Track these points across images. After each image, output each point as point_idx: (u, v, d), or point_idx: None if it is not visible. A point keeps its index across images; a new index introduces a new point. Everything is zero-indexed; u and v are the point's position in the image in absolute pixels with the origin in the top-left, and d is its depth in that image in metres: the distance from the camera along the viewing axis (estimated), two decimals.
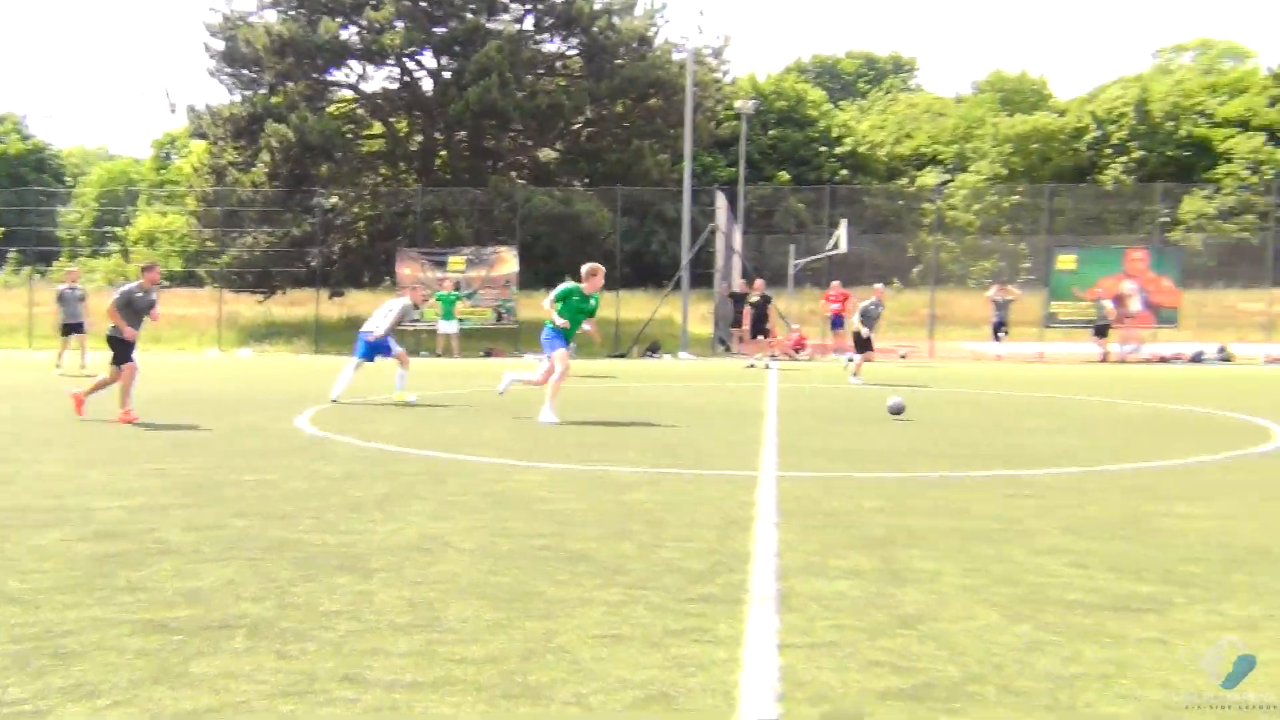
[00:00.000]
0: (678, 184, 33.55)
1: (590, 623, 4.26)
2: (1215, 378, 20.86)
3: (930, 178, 60.18)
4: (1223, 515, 6.52)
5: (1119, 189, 54.93)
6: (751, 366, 22.64)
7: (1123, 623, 4.29)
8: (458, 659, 3.82)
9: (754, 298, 23.10)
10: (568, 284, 12.02)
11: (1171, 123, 58.79)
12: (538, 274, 41.20)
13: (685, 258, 29.65)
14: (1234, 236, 51.05)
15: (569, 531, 5.96)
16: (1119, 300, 26.44)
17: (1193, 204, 53.50)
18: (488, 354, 27.07)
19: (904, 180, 61.47)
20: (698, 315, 33.16)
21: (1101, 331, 25.92)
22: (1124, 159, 57.44)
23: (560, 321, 11.69)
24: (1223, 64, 75.90)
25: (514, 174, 39.88)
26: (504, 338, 28.87)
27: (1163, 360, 25.74)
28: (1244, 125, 58.50)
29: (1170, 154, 57.74)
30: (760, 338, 23.22)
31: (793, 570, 5.10)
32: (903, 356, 26.62)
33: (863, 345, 18.12)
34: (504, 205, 34.84)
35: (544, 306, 12.08)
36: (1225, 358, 26.32)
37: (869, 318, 18.21)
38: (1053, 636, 4.10)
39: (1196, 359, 25.98)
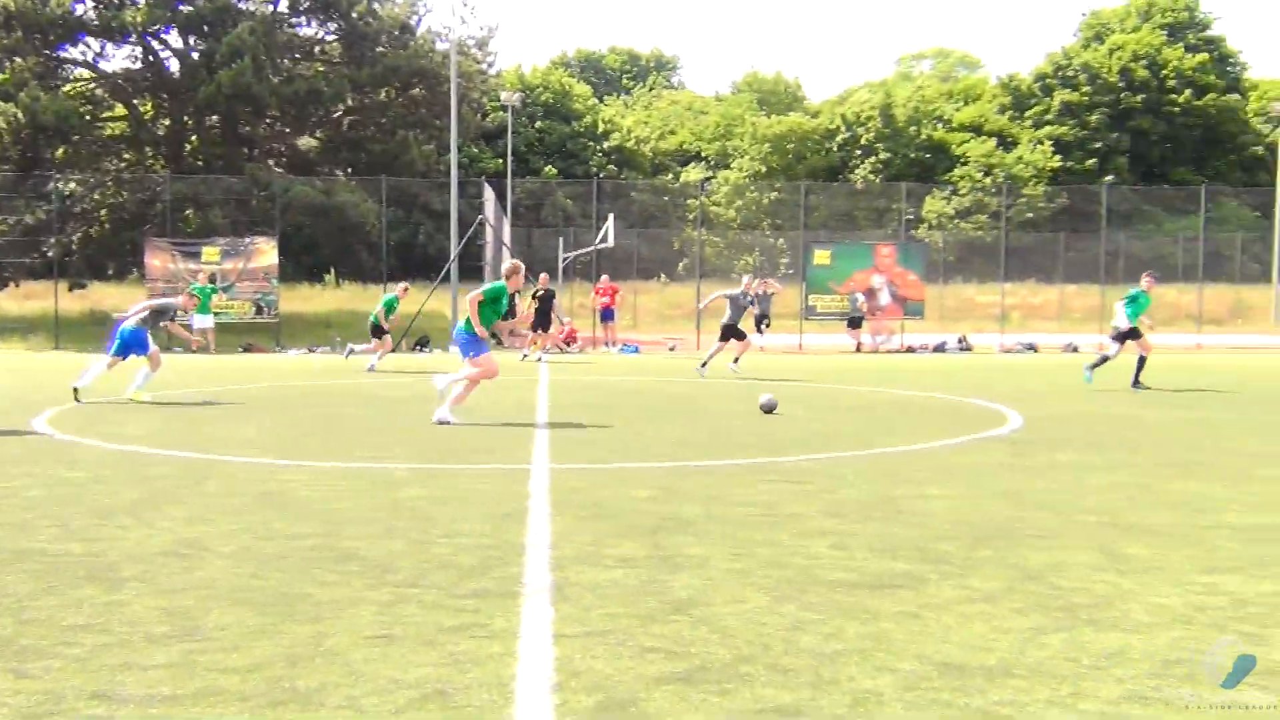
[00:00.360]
0: (444, 175, 33.09)
1: (361, 624, 4.14)
2: (956, 366, 22.31)
3: (694, 174, 61.75)
4: (969, 495, 6.97)
5: (868, 188, 57.96)
6: (525, 358, 22.63)
7: (880, 599, 4.51)
8: (220, 668, 3.63)
9: (539, 291, 23.15)
10: (496, 283, 11.24)
11: (913, 127, 62.49)
12: (299, 266, 39.79)
13: (454, 250, 29.30)
14: (970, 234, 54.82)
15: (337, 531, 5.77)
16: (870, 293, 27.90)
17: (934, 204, 57.09)
18: (246, 349, 25.92)
19: (669, 176, 62.83)
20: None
21: (855, 323, 27.28)
22: (872, 159, 60.65)
23: (480, 329, 10.95)
24: (957, 72, 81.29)
25: (272, 162, 38.30)
26: (264, 332, 27.72)
27: (910, 350, 27.31)
28: (977, 130, 62.86)
29: (913, 156, 61.36)
30: (540, 331, 23.30)
31: (567, 561, 5.12)
32: (671, 349, 27.20)
33: (729, 334, 18.00)
34: (261, 194, 33.40)
35: (467, 306, 11.10)
36: (965, 347, 28.19)
37: (738, 308, 18.36)
38: (816, 615, 4.27)
39: (939, 349, 27.70)
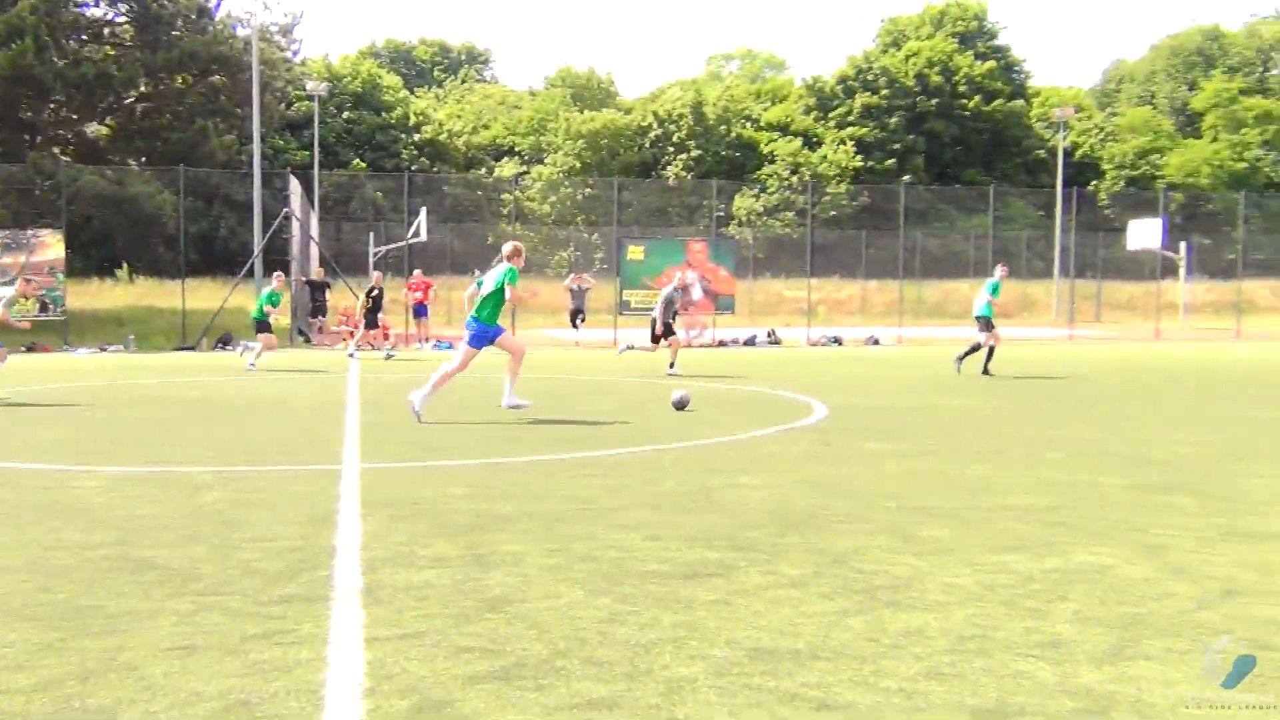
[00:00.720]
0: (246, 166, 31.88)
1: (160, 635, 3.95)
2: (766, 359, 22.92)
3: (508, 169, 61.42)
4: (778, 484, 7.17)
5: (680, 185, 58.88)
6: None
7: (693, 588, 4.60)
8: (3, 689, 3.40)
9: (374, 290, 22.67)
10: (510, 264, 11.06)
11: (723, 125, 63.86)
12: (89, 260, 37.65)
13: (258, 245, 28.27)
14: (779, 231, 56.42)
15: (134, 539, 5.49)
16: (683, 289, 28.35)
17: (743, 201, 58.50)
18: (30, 349, 24.33)
19: (482, 170, 62.29)
20: None
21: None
22: (684, 157, 61.63)
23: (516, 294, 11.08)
24: (764, 73, 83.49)
25: (58, 150, 36.09)
26: (50, 330, 26.08)
27: (722, 344, 27.90)
28: (784, 130, 64.73)
29: (724, 154, 62.70)
30: (371, 330, 22.89)
31: (379, 562, 5.02)
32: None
33: (668, 331, 17.92)
34: (46, 184, 31.41)
35: (508, 297, 11.02)
36: (774, 341, 28.98)
37: (670, 304, 18.25)
38: (631, 607, 4.31)
39: (750, 342, 28.39)
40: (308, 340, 27.36)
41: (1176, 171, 64.10)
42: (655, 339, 18.07)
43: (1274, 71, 74.56)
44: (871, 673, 3.59)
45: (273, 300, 19.32)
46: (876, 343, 28.91)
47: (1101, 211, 60.49)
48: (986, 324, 16.96)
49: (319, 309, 26.66)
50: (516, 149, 64.90)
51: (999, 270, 17.69)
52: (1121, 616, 4.22)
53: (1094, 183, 64.55)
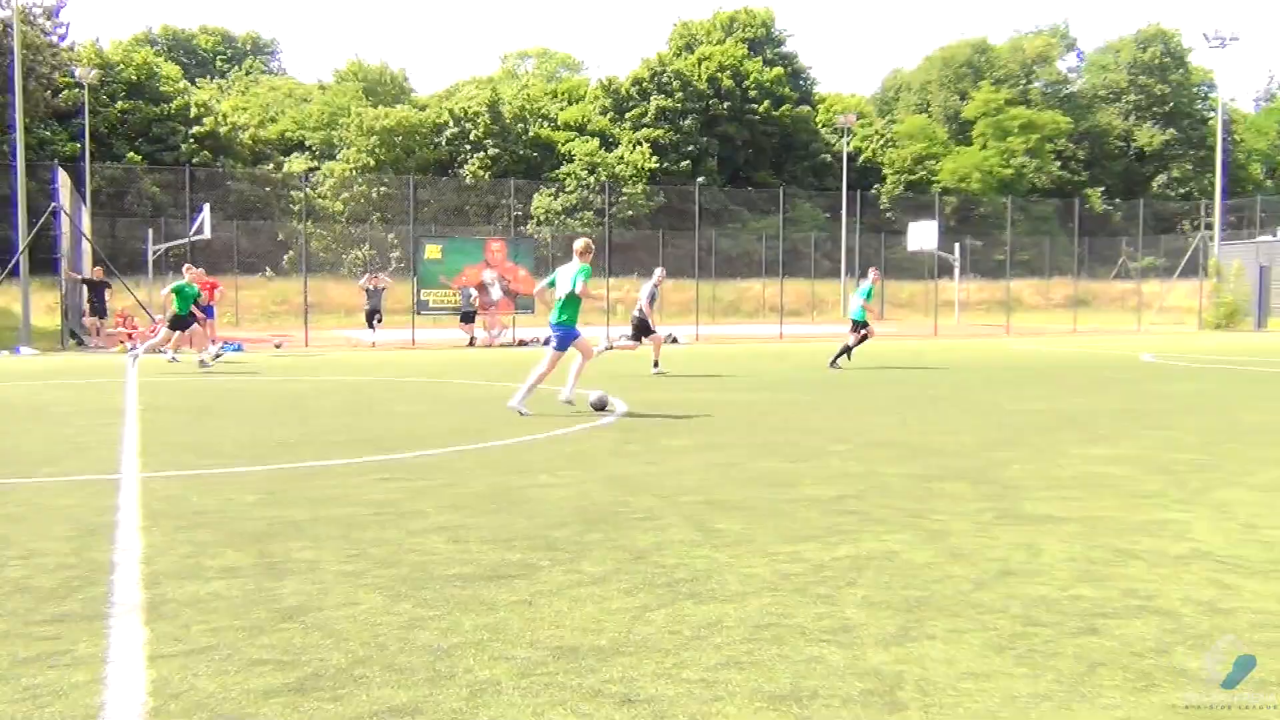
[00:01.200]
0: (7, 158, 29.73)
1: None
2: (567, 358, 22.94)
3: (298, 164, 59.49)
4: (580, 482, 7.20)
5: (478, 183, 58.41)
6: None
7: (496, 590, 4.56)
8: None
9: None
10: (581, 262, 11.55)
11: (521, 124, 63.70)
12: None
13: (22, 241, 26.43)
14: (577, 231, 56.67)
15: None
16: (482, 288, 28.13)
17: (542, 200, 58.53)
18: None
19: (270, 166, 60.12)
20: (43, 305, 29.78)
21: (468, 318, 27.41)
22: (481, 155, 61.15)
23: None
24: (560, 73, 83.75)
25: None
26: None
27: (523, 344, 27.83)
28: (581, 130, 65.11)
29: (521, 153, 62.54)
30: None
31: (162, 576, 4.77)
32: (278, 346, 26.05)
33: (644, 330, 17.55)
34: None
35: (579, 293, 11.52)
36: None
37: (652, 300, 18.13)
38: (432, 611, 4.25)
39: (549, 342, 28.40)
40: (80, 343, 25.77)
41: (950, 176, 67.90)
42: (638, 336, 18.20)
43: (1036, 84, 79.93)
44: (673, 665, 3.64)
45: (191, 296, 18.92)
46: (675, 340, 29.43)
47: (883, 214, 63.52)
48: (860, 325, 18.47)
49: (97, 309, 25.16)
50: (307, 144, 62.90)
51: (872, 274, 19.34)
52: (906, 599, 4.43)
53: (876, 186, 67.67)
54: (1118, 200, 68.44)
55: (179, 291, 18.89)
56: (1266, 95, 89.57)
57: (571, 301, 11.57)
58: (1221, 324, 39.01)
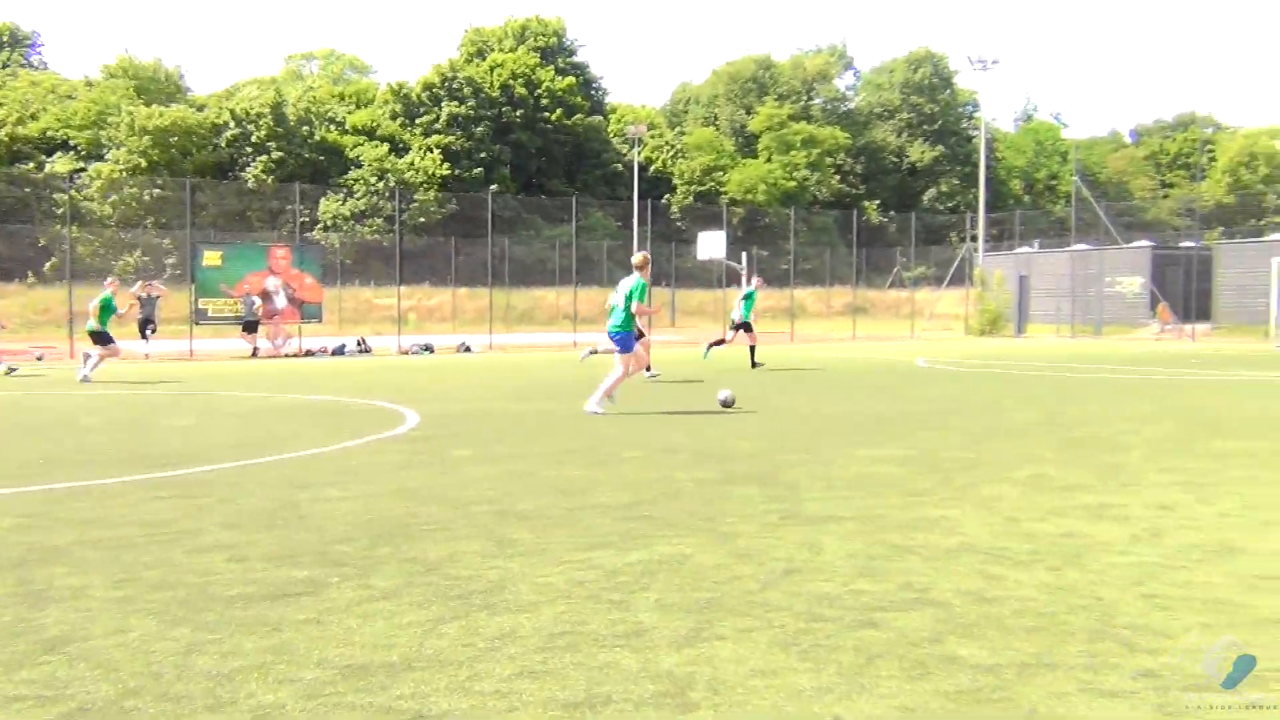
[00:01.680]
0: None
1: None
2: (356, 368, 22.43)
3: (62, 165, 55.90)
4: (369, 495, 7.02)
5: (261, 187, 56.33)
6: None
7: (281, 609, 4.40)
8: None
9: None
10: (639, 277, 12.29)
11: (306, 127, 61.83)
12: None
13: None
14: (367, 237, 55.45)
15: None
16: (265, 296, 27.12)
17: (330, 206, 56.95)
18: None
19: (31, 166, 56.28)
20: None
21: (250, 327, 26.36)
22: (264, 158, 59.04)
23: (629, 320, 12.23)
24: (347, 75, 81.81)
25: None
26: None
27: (309, 354, 26.98)
28: (370, 134, 63.74)
29: (308, 156, 60.73)
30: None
31: None
32: (39, 359, 24.36)
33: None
34: None
35: (634, 310, 12.24)
36: (364, 349, 28.43)
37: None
38: (212, 635, 4.06)
39: (339, 351, 27.67)
40: None
41: (737, 188, 69.95)
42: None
43: (816, 100, 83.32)
44: (467, 678, 3.60)
45: (112, 307, 17.91)
46: (468, 349, 29.17)
47: (674, 223, 64.79)
48: (746, 327, 19.86)
49: None
50: (72, 143, 59.13)
51: (755, 280, 21.07)
52: (697, 601, 4.52)
53: (666, 196, 68.99)
54: (892, 213, 72.07)
55: (105, 305, 17.97)
56: (1024, 115, 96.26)
57: (625, 310, 12.30)
58: (986, 330, 41.63)
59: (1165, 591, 4.65)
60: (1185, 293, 39.13)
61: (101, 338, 17.91)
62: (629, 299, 12.22)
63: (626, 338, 12.31)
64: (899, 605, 4.46)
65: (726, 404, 12.66)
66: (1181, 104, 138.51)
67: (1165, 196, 77.45)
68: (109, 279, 19.81)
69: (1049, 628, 4.15)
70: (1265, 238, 44.45)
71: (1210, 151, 76.64)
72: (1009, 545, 5.54)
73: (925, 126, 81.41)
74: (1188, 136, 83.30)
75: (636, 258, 12.65)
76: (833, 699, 3.42)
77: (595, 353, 19.03)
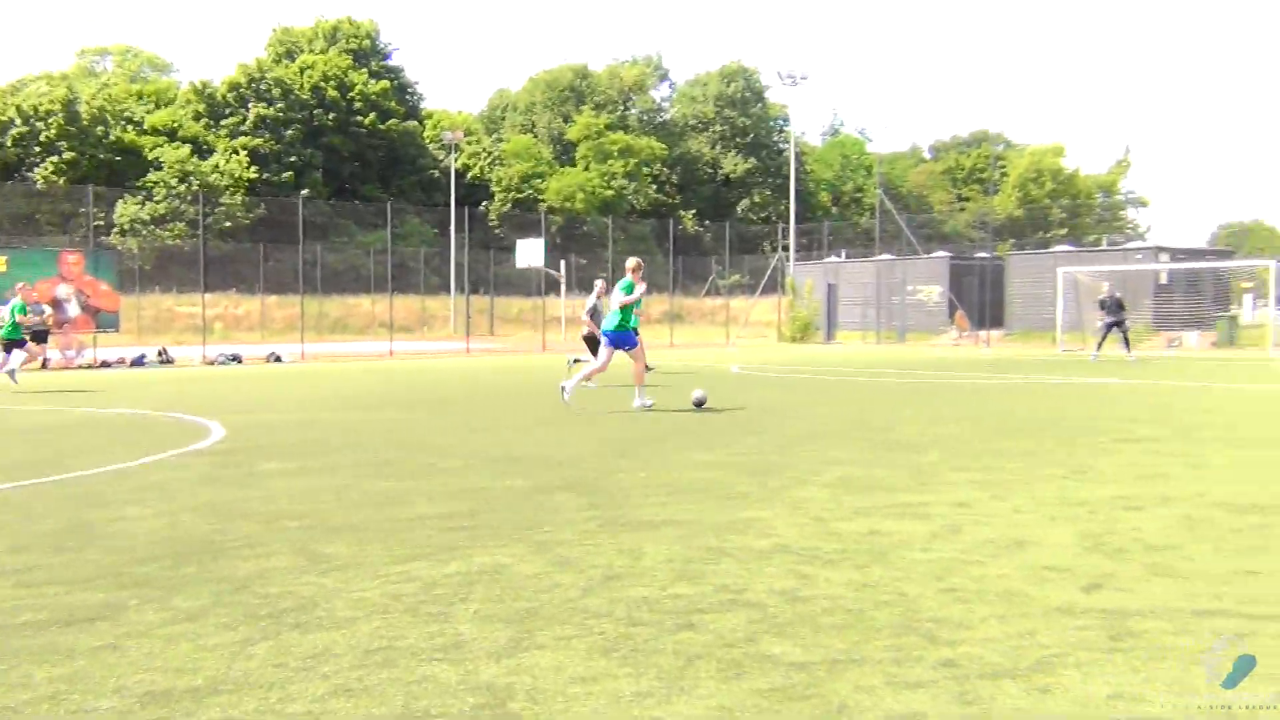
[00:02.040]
0: None
1: None
2: (157, 379, 21.41)
3: None
4: (171, 512, 6.71)
5: (51, 189, 53.20)
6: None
7: (74, 636, 4.16)
8: None
9: None
10: (629, 278, 12.97)
11: (101, 126, 58.73)
12: None
13: None
14: (169, 242, 53.03)
15: None
16: (56, 304, 25.61)
17: (127, 209, 54.20)
18: None
19: None
20: None
21: (40, 337, 24.81)
22: (55, 159, 55.83)
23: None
24: (145, 73, 78.16)
25: None
26: None
27: (105, 365, 25.62)
28: (171, 135, 61.00)
29: (103, 157, 57.69)
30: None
31: None
32: None
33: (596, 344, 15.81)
34: None
35: (618, 305, 12.93)
36: (166, 360, 27.18)
37: (596, 314, 17.15)
38: None
39: (138, 362, 26.37)
40: None
41: (556, 196, 70.05)
42: (594, 351, 17.28)
43: (633, 111, 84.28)
44: (278, 699, 3.48)
45: (24, 311, 17.58)
46: (279, 359, 28.25)
47: (492, 231, 64.44)
48: (594, 341, 19.23)
49: None
50: None
51: (598, 285, 19.12)
52: (517, 611, 4.50)
53: (484, 203, 68.53)
54: (708, 222, 73.58)
55: (20, 310, 17.57)
56: (831, 130, 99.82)
57: (625, 310, 13.01)
58: (797, 337, 42.95)
59: (963, 585, 4.89)
60: (980, 301, 41.28)
61: (14, 344, 17.79)
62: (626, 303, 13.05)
63: (626, 336, 13.17)
64: (716, 607, 4.54)
65: (699, 403, 13.42)
66: (975, 122, 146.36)
67: (962, 209, 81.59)
68: (20, 284, 19.35)
69: (857, 624, 4.30)
70: (1051, 249, 47.40)
71: (1002, 167, 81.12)
72: (819, 545, 5.71)
73: (738, 139, 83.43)
74: (981, 153, 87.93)
75: (630, 262, 13.44)
76: (653, 703, 3.46)
77: (579, 360, 18.93)
